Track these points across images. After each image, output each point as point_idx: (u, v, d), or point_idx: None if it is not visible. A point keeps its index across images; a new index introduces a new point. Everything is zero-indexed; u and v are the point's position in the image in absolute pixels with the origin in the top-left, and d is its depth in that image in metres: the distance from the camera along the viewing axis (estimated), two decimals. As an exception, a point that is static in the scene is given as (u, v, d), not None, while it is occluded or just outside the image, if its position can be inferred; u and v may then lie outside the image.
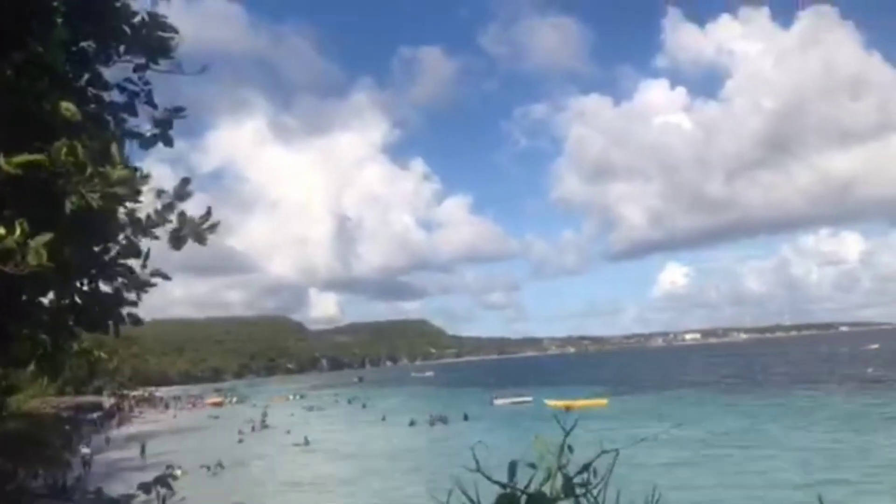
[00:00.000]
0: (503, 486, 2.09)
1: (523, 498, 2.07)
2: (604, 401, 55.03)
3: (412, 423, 57.52)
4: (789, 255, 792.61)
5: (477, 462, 2.23)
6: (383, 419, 64.22)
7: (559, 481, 2.11)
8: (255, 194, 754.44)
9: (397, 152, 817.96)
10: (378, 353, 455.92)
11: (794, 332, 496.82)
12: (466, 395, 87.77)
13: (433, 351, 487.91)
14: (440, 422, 57.37)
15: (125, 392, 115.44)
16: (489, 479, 2.15)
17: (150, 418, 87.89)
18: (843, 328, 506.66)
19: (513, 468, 2.14)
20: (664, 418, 45.94)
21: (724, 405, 55.23)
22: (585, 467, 2.15)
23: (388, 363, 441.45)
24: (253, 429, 60.64)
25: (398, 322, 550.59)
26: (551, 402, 52.31)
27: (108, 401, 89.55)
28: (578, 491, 2.12)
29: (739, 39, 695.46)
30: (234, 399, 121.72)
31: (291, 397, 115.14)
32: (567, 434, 2.21)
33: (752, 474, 28.77)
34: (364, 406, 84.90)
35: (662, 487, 2.32)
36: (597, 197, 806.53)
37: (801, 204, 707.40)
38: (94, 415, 69.66)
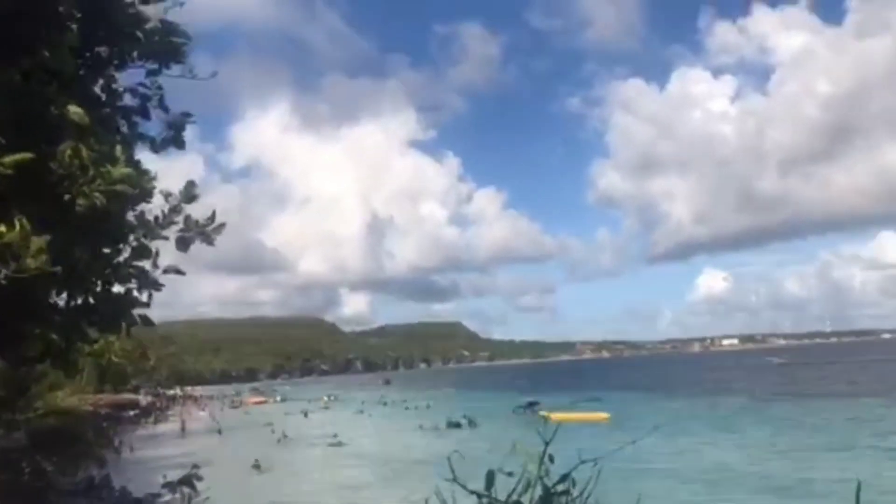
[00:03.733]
0: (480, 495, 2.06)
1: (501, 508, 2.04)
2: (605, 415, 53.69)
3: (436, 428, 57.65)
4: (832, 259, 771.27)
5: (453, 471, 2.20)
6: (419, 425, 63.85)
7: (538, 491, 2.08)
8: (284, 189, 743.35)
9: (429, 141, 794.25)
10: (411, 356, 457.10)
11: (833, 339, 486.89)
12: (495, 400, 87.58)
13: (466, 354, 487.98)
14: (465, 426, 57.74)
15: (162, 391, 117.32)
16: (465, 488, 2.12)
17: (186, 417, 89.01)
18: (886, 335, 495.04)
19: (490, 477, 2.10)
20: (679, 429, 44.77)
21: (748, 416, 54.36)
22: (564, 477, 2.11)
23: (422, 365, 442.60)
24: (284, 436, 60.41)
25: (431, 324, 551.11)
26: (546, 414, 51.60)
27: (144, 399, 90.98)
28: (558, 501, 2.08)
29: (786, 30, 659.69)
30: (279, 398, 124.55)
31: (326, 398, 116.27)
32: (548, 443, 2.17)
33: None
34: (408, 408, 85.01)
35: (647, 498, 2.26)
36: (637, 193, 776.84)
37: (854, 203, 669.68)
38: (131, 412, 70.80)
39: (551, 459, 2.16)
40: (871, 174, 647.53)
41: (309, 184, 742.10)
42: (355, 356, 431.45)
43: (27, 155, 3.16)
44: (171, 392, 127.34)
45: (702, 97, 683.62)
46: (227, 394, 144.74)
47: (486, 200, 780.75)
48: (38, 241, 3.01)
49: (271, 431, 58.98)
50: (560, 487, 2.14)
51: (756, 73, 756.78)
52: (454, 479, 2.20)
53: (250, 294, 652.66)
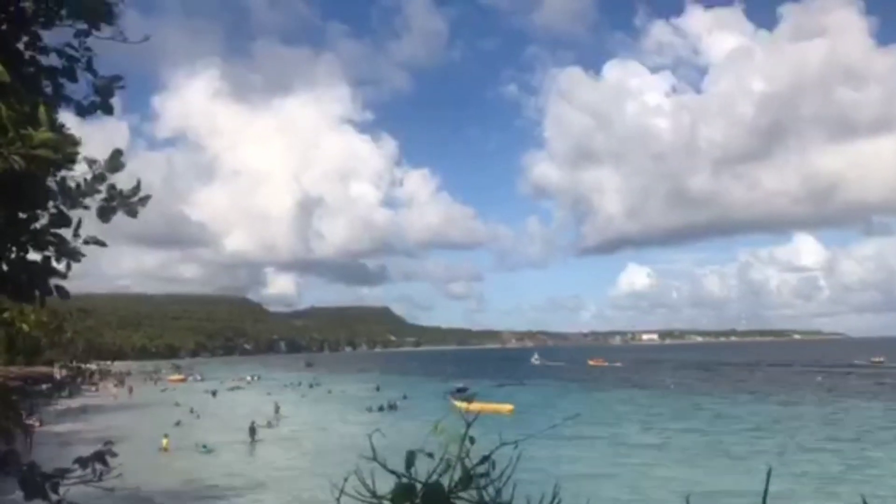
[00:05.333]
0: (399, 475, 2.07)
1: (421, 488, 2.05)
2: (509, 406, 54.97)
3: (370, 410, 58.60)
4: (752, 260, 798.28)
5: (374, 451, 2.20)
6: (355, 408, 63.71)
7: (458, 472, 2.10)
8: (211, 161, 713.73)
9: (363, 116, 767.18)
10: (337, 339, 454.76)
11: (748, 338, 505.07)
12: (423, 385, 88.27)
13: (393, 339, 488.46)
14: (390, 409, 58.73)
15: (78, 365, 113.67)
16: (384, 467, 2.12)
17: (101, 392, 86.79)
18: (797, 336, 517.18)
19: (410, 458, 2.11)
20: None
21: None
22: (485, 459, 2.13)
23: (347, 349, 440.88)
24: (198, 416, 59.49)
25: (358, 308, 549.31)
26: (456, 402, 52.22)
27: (59, 373, 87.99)
28: (478, 482, 2.10)
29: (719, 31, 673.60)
30: (199, 377, 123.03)
31: (249, 378, 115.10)
32: (469, 425, 2.20)
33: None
34: (330, 392, 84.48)
35: (566, 485, 2.32)
36: (570, 185, 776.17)
37: (778, 204, 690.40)
38: (44, 386, 68.26)
39: (472, 441, 2.18)
40: (796, 177, 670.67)
41: (237, 157, 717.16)
42: (279, 337, 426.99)
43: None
44: (88, 367, 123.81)
45: (638, 91, 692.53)
46: (146, 370, 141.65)
47: (419, 182, 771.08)
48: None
49: (189, 411, 57.92)
50: (480, 469, 2.16)
51: (692, 70, 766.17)
52: (374, 458, 2.21)
53: (173, 269, 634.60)
